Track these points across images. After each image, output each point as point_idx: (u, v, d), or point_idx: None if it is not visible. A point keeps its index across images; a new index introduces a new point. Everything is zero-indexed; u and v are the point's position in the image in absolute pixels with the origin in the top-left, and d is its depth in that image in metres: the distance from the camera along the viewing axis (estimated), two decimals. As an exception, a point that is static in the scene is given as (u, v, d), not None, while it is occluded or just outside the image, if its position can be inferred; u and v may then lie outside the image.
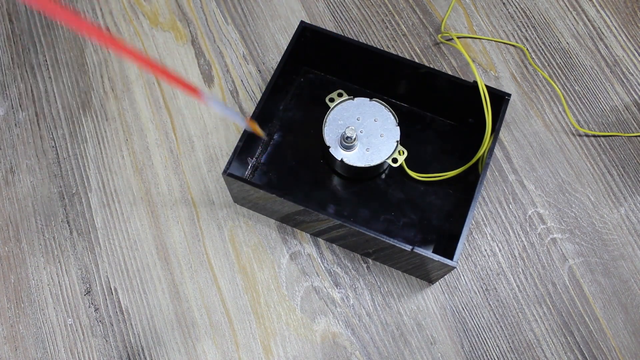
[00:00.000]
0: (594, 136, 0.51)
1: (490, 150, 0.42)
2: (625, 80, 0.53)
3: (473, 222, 0.48)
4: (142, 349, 0.44)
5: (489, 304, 0.46)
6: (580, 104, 0.52)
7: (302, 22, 0.46)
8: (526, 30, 0.55)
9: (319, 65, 0.51)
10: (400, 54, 0.54)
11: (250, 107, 0.52)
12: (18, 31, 0.56)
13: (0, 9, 0.57)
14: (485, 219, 0.48)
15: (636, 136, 0.51)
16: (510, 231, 0.48)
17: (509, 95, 0.44)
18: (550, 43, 0.55)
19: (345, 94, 0.46)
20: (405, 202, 0.47)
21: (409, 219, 0.47)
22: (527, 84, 0.53)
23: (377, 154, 0.45)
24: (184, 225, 0.48)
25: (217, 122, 0.51)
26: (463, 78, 0.51)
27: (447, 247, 0.43)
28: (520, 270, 0.46)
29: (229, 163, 0.41)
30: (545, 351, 0.44)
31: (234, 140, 0.51)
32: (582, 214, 0.48)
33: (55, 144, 0.51)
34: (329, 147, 0.45)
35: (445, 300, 0.46)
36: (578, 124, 0.52)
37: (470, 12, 0.56)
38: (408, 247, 0.39)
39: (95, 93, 0.53)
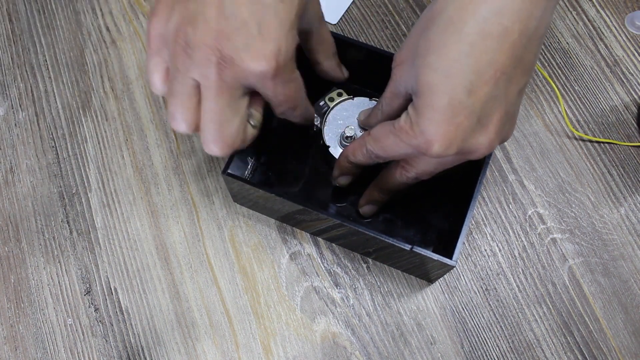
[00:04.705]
0: (590, 141, 0.51)
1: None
2: (625, 80, 0.53)
3: (473, 222, 0.48)
4: (142, 349, 0.44)
5: (489, 304, 0.46)
6: (580, 103, 0.52)
7: (302, 22, 0.46)
8: (526, 30, 0.55)
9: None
10: (400, 54, 0.54)
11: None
12: (18, 31, 0.56)
13: (0, 9, 0.57)
14: (485, 219, 0.48)
15: (633, 146, 0.51)
16: (510, 231, 0.48)
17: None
18: (550, 43, 0.55)
19: (345, 94, 0.46)
20: (405, 201, 0.47)
21: (409, 218, 0.47)
22: (527, 84, 0.53)
23: (377, 154, 0.45)
24: (184, 225, 0.48)
25: (217, 122, 0.51)
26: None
27: (447, 247, 0.43)
28: (520, 270, 0.46)
29: (229, 163, 0.41)
30: (545, 351, 0.44)
31: (234, 140, 0.51)
32: (582, 214, 0.48)
33: (55, 144, 0.51)
34: (328, 146, 0.45)
35: (445, 300, 0.46)
36: (578, 123, 0.52)
37: (470, 12, 0.56)
38: (407, 247, 0.39)
39: (95, 93, 0.53)
